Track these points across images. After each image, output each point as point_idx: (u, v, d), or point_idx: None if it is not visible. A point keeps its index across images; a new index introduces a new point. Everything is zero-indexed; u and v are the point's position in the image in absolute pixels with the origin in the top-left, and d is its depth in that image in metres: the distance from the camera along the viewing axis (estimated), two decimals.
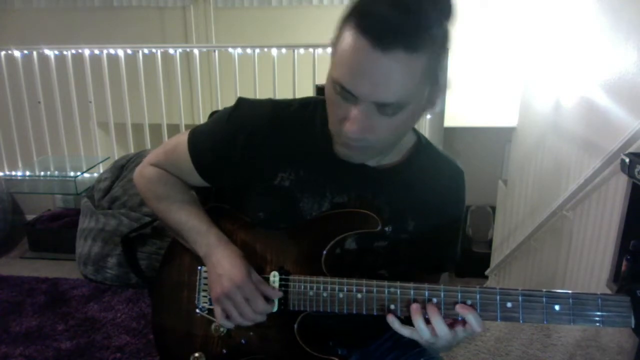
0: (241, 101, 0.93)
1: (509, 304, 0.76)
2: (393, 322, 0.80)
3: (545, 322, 0.75)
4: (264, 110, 0.91)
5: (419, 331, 0.78)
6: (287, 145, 0.90)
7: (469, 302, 0.78)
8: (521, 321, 0.75)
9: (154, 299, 1.03)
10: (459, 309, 0.77)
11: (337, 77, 0.74)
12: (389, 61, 0.69)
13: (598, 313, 0.73)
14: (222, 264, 0.88)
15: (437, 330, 0.77)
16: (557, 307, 0.74)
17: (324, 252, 0.89)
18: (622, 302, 0.72)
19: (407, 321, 0.81)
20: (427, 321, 0.78)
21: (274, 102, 0.93)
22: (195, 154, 0.94)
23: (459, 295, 0.78)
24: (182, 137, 0.96)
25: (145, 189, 1.00)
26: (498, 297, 0.76)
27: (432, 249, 0.97)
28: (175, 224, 0.95)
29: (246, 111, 0.92)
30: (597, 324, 0.73)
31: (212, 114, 1.01)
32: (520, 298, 0.75)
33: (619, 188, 2.15)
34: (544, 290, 0.75)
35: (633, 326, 0.72)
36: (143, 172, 1.01)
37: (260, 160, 0.90)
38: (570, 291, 0.75)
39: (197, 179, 0.97)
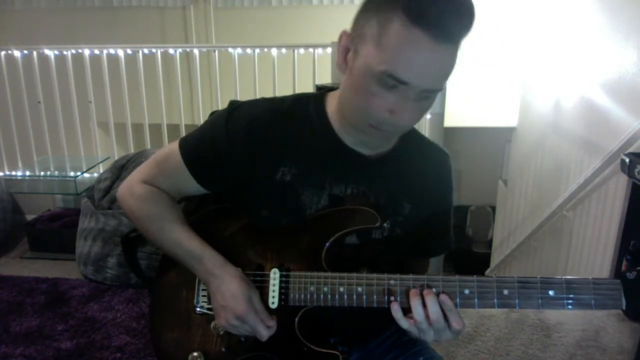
0: (236, 103, 0.95)
1: (505, 291, 0.79)
2: (397, 311, 0.82)
3: (540, 307, 0.78)
4: (260, 109, 0.93)
5: (415, 314, 0.80)
6: (287, 140, 0.92)
7: (467, 291, 0.80)
8: (517, 307, 0.78)
9: (151, 299, 1.03)
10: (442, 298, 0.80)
11: (387, 68, 0.76)
12: (443, 52, 0.76)
13: (590, 296, 0.76)
14: (222, 293, 0.88)
15: (430, 313, 0.79)
16: (551, 293, 0.78)
17: (324, 249, 0.90)
18: (613, 286, 0.76)
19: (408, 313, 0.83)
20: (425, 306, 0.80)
21: (268, 99, 0.95)
22: (191, 160, 0.94)
23: (457, 284, 0.80)
24: (173, 147, 0.96)
25: (136, 207, 0.97)
26: (495, 285, 0.79)
27: (429, 232, 1.00)
28: (168, 247, 0.95)
29: (244, 112, 0.93)
30: (590, 307, 0.76)
31: (212, 113, 1.01)
32: (516, 285, 0.78)
33: (619, 188, 2.15)
34: (539, 277, 0.79)
35: (624, 307, 0.75)
36: (133, 190, 0.97)
37: (262, 157, 0.91)
38: (563, 277, 0.78)
39: (193, 187, 0.96)
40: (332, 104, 0.93)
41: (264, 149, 0.91)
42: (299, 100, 0.95)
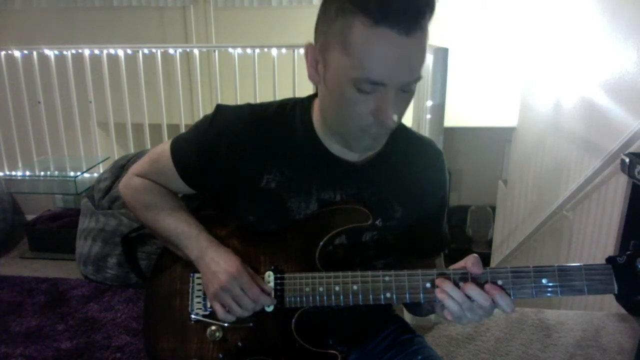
0: (220, 108, 0.94)
1: (500, 282, 0.79)
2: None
3: (534, 296, 0.78)
4: (243, 115, 0.92)
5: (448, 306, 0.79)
6: (270, 147, 0.91)
7: (462, 283, 0.80)
8: (512, 297, 0.78)
9: (144, 309, 1.03)
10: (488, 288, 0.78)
11: (361, 73, 0.75)
12: (413, 43, 0.74)
13: (583, 282, 0.77)
14: (216, 261, 0.89)
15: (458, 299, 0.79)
16: (544, 280, 0.78)
17: (318, 249, 0.89)
18: (605, 271, 0.76)
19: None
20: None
21: (252, 105, 0.94)
22: (179, 162, 0.95)
23: (452, 278, 0.81)
24: (166, 146, 0.97)
25: (131, 198, 1.00)
26: (489, 277, 0.79)
27: (423, 232, 0.99)
28: (164, 231, 0.96)
29: (226, 117, 0.92)
30: (583, 293, 0.77)
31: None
32: (510, 275, 0.79)
33: (619, 188, 2.15)
34: (532, 266, 0.79)
35: (616, 292, 0.76)
36: (129, 183, 1.01)
37: (245, 164, 0.91)
38: (555, 265, 0.78)
39: (182, 187, 0.98)
40: (317, 109, 0.91)
41: (246, 156, 0.90)
42: (283, 106, 0.94)
